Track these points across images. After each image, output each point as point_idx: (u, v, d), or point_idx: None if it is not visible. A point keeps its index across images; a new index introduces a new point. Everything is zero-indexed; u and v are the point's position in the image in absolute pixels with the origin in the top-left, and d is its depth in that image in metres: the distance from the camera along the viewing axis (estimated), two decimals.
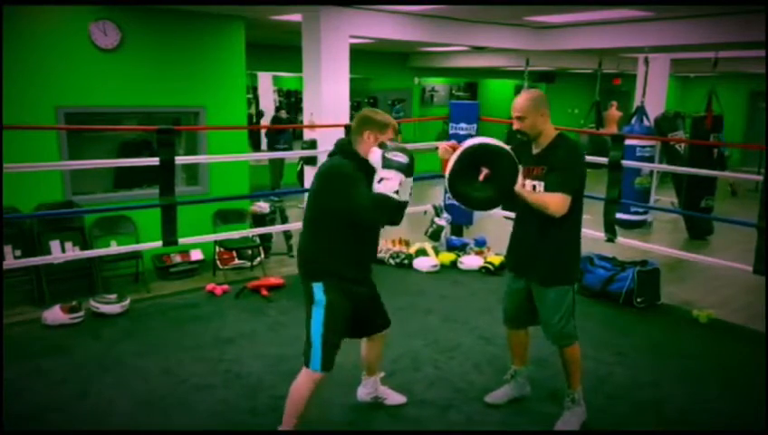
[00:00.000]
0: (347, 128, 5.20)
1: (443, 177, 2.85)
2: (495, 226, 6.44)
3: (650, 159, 7.46)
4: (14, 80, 4.97)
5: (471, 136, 5.66)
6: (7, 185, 4.10)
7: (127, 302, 4.45)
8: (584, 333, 3.33)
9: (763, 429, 3.07)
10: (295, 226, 6.68)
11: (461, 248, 5.92)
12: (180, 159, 4.98)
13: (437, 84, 16.61)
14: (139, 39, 5.63)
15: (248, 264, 6.10)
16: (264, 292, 4.80)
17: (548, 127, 2.84)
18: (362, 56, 9.73)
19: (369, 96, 15.96)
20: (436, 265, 5.53)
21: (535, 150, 2.88)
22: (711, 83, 7.54)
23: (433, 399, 3.29)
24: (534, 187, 2.84)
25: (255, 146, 12.09)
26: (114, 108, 5.70)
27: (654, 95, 8.70)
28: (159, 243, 4.37)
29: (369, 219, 2.53)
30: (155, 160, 4.21)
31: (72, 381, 3.42)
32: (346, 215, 2.52)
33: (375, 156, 2.51)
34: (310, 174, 6.09)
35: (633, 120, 7.54)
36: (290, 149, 9.97)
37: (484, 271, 5.47)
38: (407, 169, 2.49)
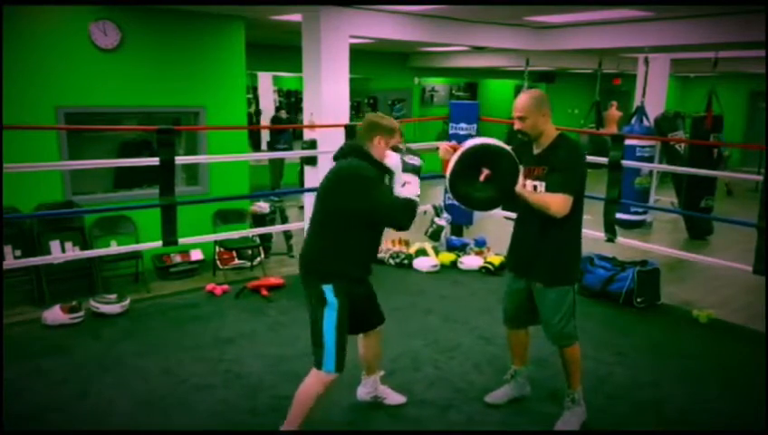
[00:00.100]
0: (347, 128, 5.20)
1: (443, 177, 2.85)
2: (495, 226, 6.45)
3: (650, 159, 7.46)
4: (14, 80, 4.97)
5: (471, 136, 5.66)
6: (7, 185, 4.10)
7: (127, 302, 4.45)
8: (584, 333, 3.34)
9: (763, 429, 3.07)
10: (295, 226, 6.71)
11: (461, 248, 5.92)
12: (180, 159, 4.98)
13: (437, 84, 16.60)
14: (139, 39, 5.63)
15: (248, 264, 6.10)
16: (264, 292, 4.80)
17: (549, 127, 2.84)
18: (362, 56, 9.73)
19: (369, 96, 15.97)
20: (436, 265, 5.53)
21: (536, 151, 2.88)
22: (711, 83, 7.53)
23: (433, 399, 3.29)
24: (535, 187, 2.84)
25: (255, 146, 12.10)
26: (114, 108, 5.70)
27: (654, 95, 8.69)
28: (159, 243, 4.37)
29: (398, 222, 2.60)
30: (155, 160, 4.21)
31: (72, 381, 3.42)
32: (365, 216, 2.57)
33: (393, 159, 2.62)
34: (310, 174, 6.08)
35: (633, 120, 7.54)
36: (290, 149, 9.97)
37: (484, 271, 5.47)
38: (420, 172, 2.64)
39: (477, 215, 5.99)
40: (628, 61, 9.60)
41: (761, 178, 5.03)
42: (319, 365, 2.63)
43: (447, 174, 2.78)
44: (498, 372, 3.45)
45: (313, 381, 2.65)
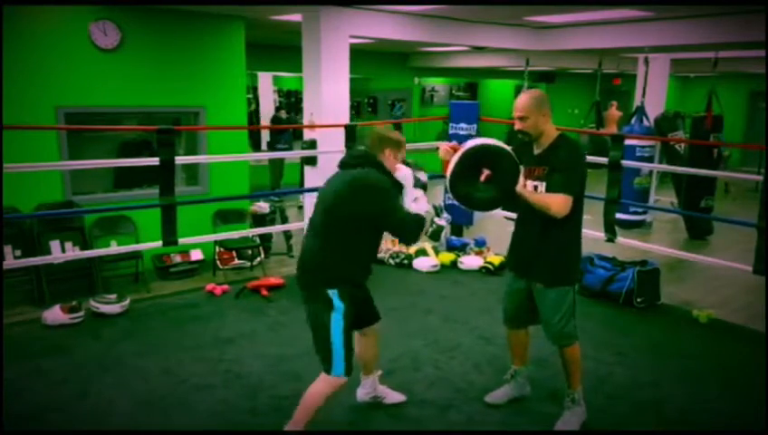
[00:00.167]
0: (347, 128, 5.20)
1: (443, 177, 2.85)
2: (495, 226, 6.45)
3: (650, 160, 7.47)
4: (14, 80, 4.97)
5: (471, 136, 5.66)
6: (7, 185, 4.10)
7: (127, 302, 4.45)
8: (584, 333, 3.33)
9: (763, 429, 3.07)
10: (295, 226, 6.71)
11: (461, 248, 5.92)
12: (180, 159, 4.98)
13: (437, 84, 16.60)
14: (139, 39, 5.64)
15: (248, 264, 6.10)
16: (264, 292, 4.80)
17: (549, 127, 2.84)
18: (362, 56, 9.73)
19: (369, 96, 15.97)
20: (436, 265, 5.53)
21: (536, 151, 2.88)
22: (711, 83, 7.53)
23: (433, 399, 3.29)
24: (536, 187, 2.84)
25: (255, 146, 12.10)
26: (114, 108, 5.70)
27: (654, 95, 8.70)
28: (159, 243, 4.37)
29: (409, 237, 2.69)
30: (155, 160, 4.21)
31: (72, 381, 3.42)
32: (377, 224, 2.62)
33: (405, 173, 2.71)
34: (310, 174, 6.08)
35: (633, 120, 7.54)
36: (290, 149, 9.97)
37: (485, 271, 5.47)
38: (426, 188, 2.74)
39: (477, 215, 5.99)
40: (628, 61, 9.60)
41: (761, 178, 5.03)
42: (328, 370, 2.62)
43: (448, 174, 2.78)
44: (498, 372, 3.45)
45: (323, 386, 2.64)
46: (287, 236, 6.67)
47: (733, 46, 7.37)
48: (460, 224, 6.30)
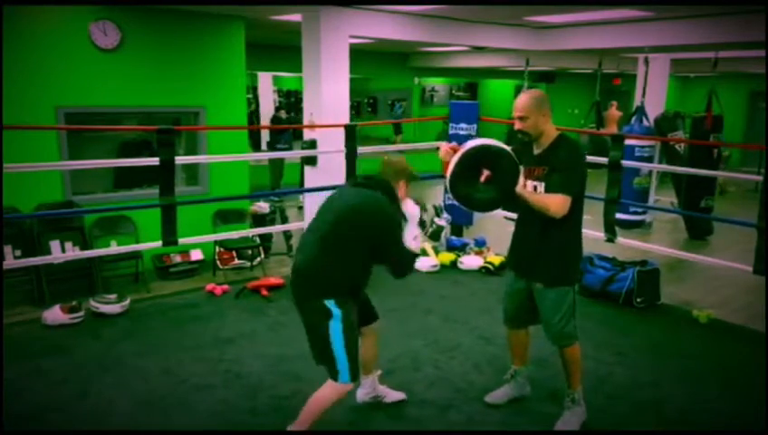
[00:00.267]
0: (347, 128, 5.19)
1: (443, 177, 2.85)
2: (495, 226, 6.45)
3: (649, 160, 7.46)
4: (14, 80, 4.97)
5: (471, 136, 5.66)
6: (7, 185, 4.10)
7: (127, 302, 4.45)
8: (584, 333, 3.34)
9: (763, 429, 3.07)
10: (295, 226, 6.70)
11: (461, 248, 5.92)
12: (180, 159, 4.98)
13: (437, 84, 16.61)
14: (139, 39, 5.63)
15: (248, 264, 6.10)
16: (264, 292, 4.80)
17: (549, 127, 2.84)
18: (362, 56, 9.74)
19: (369, 96, 15.98)
20: (436, 265, 5.52)
21: (536, 151, 2.88)
22: (711, 83, 7.53)
23: (433, 399, 3.29)
24: (535, 187, 2.84)
25: (255, 146, 12.10)
26: (114, 108, 5.70)
27: (654, 95, 8.70)
28: (159, 243, 4.37)
29: (401, 270, 2.73)
30: (155, 160, 4.21)
31: (72, 381, 3.42)
32: (376, 251, 2.64)
33: (413, 211, 2.74)
34: (310, 174, 6.08)
35: (633, 120, 7.54)
36: (290, 149, 9.97)
37: (484, 271, 5.47)
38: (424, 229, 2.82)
39: (477, 215, 6.00)
40: (628, 61, 9.60)
41: (761, 178, 5.03)
42: (335, 378, 2.61)
43: (448, 175, 2.78)
44: (498, 372, 3.45)
45: (329, 392, 2.64)
46: (287, 236, 6.66)
47: (733, 46, 7.37)
48: (460, 224, 6.30)
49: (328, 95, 5.77)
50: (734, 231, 6.52)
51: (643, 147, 7.32)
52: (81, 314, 4.24)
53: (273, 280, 5.00)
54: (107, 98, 5.56)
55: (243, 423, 3.05)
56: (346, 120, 5.77)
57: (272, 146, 10.35)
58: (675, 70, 10.12)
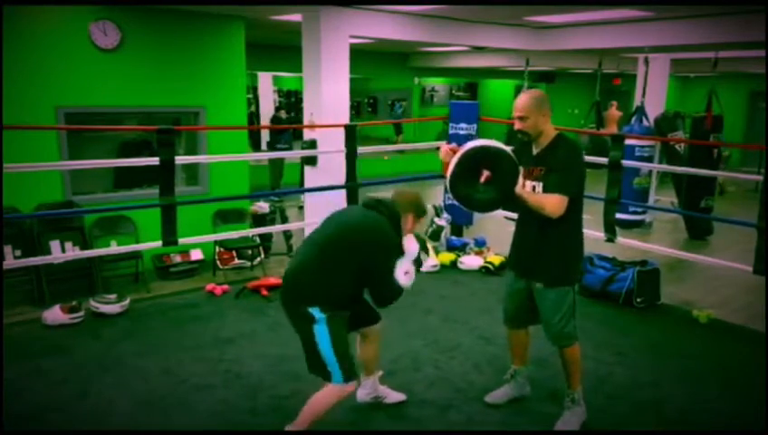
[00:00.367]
0: (347, 128, 5.19)
1: (443, 177, 2.86)
2: (495, 226, 6.45)
3: (649, 159, 7.46)
4: (14, 80, 4.97)
5: (471, 136, 5.66)
6: (7, 185, 4.09)
7: (127, 302, 4.45)
8: (584, 333, 3.34)
9: (763, 429, 3.07)
10: (295, 226, 6.71)
11: (461, 248, 5.92)
12: (180, 159, 4.97)
13: (437, 84, 16.61)
14: (139, 39, 5.63)
15: (248, 264, 6.11)
16: (264, 292, 4.80)
17: (548, 127, 2.84)
18: (362, 56, 9.74)
19: (369, 96, 15.98)
20: (436, 265, 5.52)
21: (535, 151, 2.88)
22: (711, 83, 7.53)
23: (433, 399, 3.29)
24: (534, 187, 2.84)
25: (255, 146, 12.11)
26: (114, 108, 5.70)
27: (654, 95, 8.70)
28: (159, 243, 4.36)
29: (385, 300, 2.73)
30: (155, 160, 4.21)
31: (72, 381, 3.42)
32: (364, 271, 2.63)
33: (412, 248, 2.72)
34: (310, 174, 6.09)
35: (633, 120, 7.54)
36: (290, 149, 9.98)
37: (484, 271, 5.47)
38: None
39: (477, 215, 5.99)
40: (628, 61, 9.60)
41: (761, 178, 5.03)
42: (329, 380, 2.62)
43: (447, 175, 2.78)
44: (498, 372, 3.45)
45: (328, 394, 2.64)
46: (287, 236, 6.66)
47: (733, 46, 7.37)
48: (460, 224, 6.30)
49: (328, 95, 5.77)
50: (734, 231, 6.53)
51: (643, 147, 7.32)
52: (81, 314, 4.24)
53: (273, 280, 4.99)
54: (107, 98, 5.57)
55: (243, 423, 3.05)
56: (346, 120, 5.78)
57: (272, 146, 10.36)
58: (675, 70, 10.13)
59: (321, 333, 2.57)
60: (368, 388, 3.15)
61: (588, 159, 5.35)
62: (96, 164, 5.15)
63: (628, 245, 5.17)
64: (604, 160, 4.88)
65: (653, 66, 8.39)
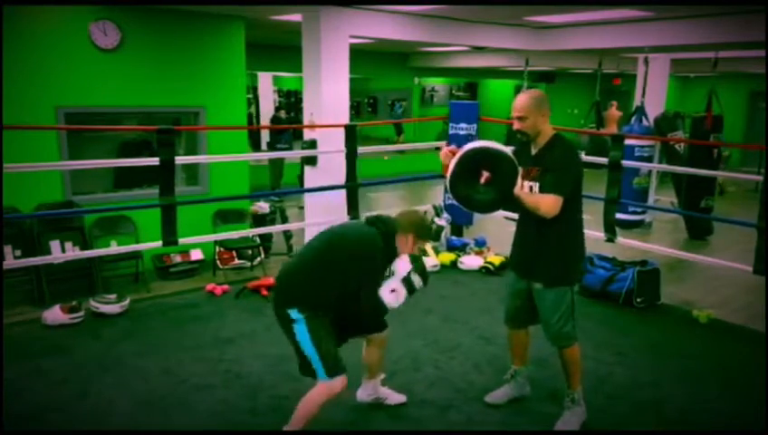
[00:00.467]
0: (347, 128, 5.20)
1: (443, 177, 2.86)
2: (495, 226, 6.45)
3: (649, 159, 7.46)
4: (14, 80, 4.97)
5: (471, 136, 5.66)
6: (7, 185, 4.09)
7: (127, 302, 4.45)
8: (584, 333, 3.34)
9: (763, 429, 3.07)
10: (295, 226, 6.71)
11: (461, 248, 5.92)
12: (180, 159, 4.98)
13: (437, 84, 16.61)
14: (139, 39, 5.63)
15: (248, 264, 6.10)
16: (264, 292, 4.80)
17: (547, 127, 2.84)
18: (362, 56, 9.74)
19: (369, 96, 15.98)
20: (436, 265, 5.52)
21: (534, 151, 2.88)
22: (711, 83, 7.53)
23: (433, 399, 3.29)
24: (531, 188, 2.84)
25: (255, 146, 12.11)
26: (114, 108, 5.70)
27: (654, 95, 8.70)
28: (159, 243, 4.36)
29: (370, 316, 2.73)
30: (155, 160, 4.21)
31: (72, 381, 3.42)
32: (347, 284, 2.65)
33: (402, 267, 2.68)
34: (310, 174, 6.09)
35: (633, 120, 7.54)
36: (290, 149, 9.98)
37: (484, 271, 5.47)
38: (414, 293, 2.71)
39: (477, 215, 5.99)
40: (628, 61, 9.60)
41: (761, 178, 5.03)
42: (315, 377, 2.65)
43: (448, 176, 2.79)
44: (498, 372, 3.45)
45: (317, 392, 2.65)
46: (287, 236, 6.66)
47: (733, 46, 7.37)
48: (460, 224, 6.30)
49: (328, 95, 5.77)
50: (734, 231, 6.53)
51: (643, 147, 7.31)
52: (81, 314, 4.24)
53: (273, 280, 4.98)
54: (107, 98, 5.56)
55: (243, 423, 3.05)
56: (346, 120, 5.77)
57: (272, 146, 10.36)
58: (675, 70, 10.12)
59: (301, 332, 2.62)
60: (369, 390, 3.16)
61: (588, 159, 5.38)
62: (96, 164, 5.16)
63: (629, 245, 5.18)
64: (604, 160, 4.89)
65: (653, 66, 8.39)
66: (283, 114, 11.29)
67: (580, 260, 3.01)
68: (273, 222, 6.59)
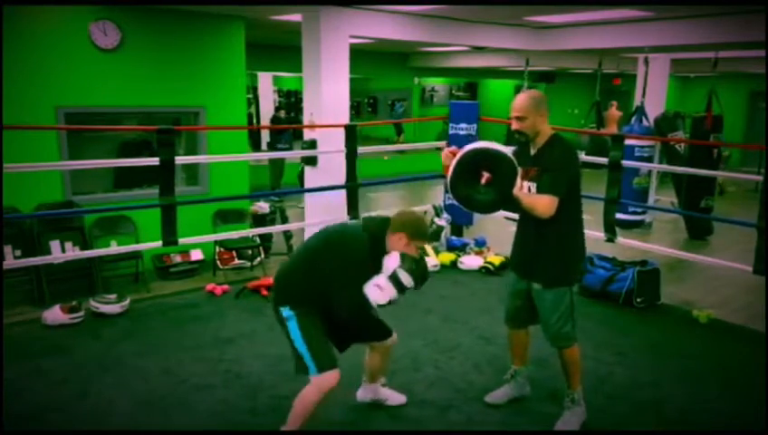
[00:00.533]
0: (347, 128, 5.20)
1: (445, 177, 2.86)
2: (495, 226, 6.45)
3: (649, 160, 7.46)
4: (14, 80, 4.97)
5: (471, 136, 5.67)
6: (7, 185, 4.09)
7: (127, 302, 4.45)
8: (584, 333, 3.34)
9: (763, 429, 3.07)
10: (295, 226, 6.70)
11: (461, 248, 5.92)
12: (180, 159, 4.98)
13: (437, 84, 16.61)
14: (139, 39, 5.63)
15: (248, 264, 6.10)
16: (264, 292, 4.80)
17: (545, 127, 2.84)
18: (362, 56, 9.74)
19: (369, 96, 15.98)
20: (436, 265, 5.52)
21: (532, 151, 2.89)
22: (711, 83, 7.53)
23: (433, 399, 3.29)
24: (530, 188, 2.84)
25: (255, 146, 12.11)
26: (114, 108, 5.70)
27: (654, 95, 8.70)
28: (159, 243, 4.37)
29: (340, 311, 2.67)
30: (155, 160, 4.21)
31: (72, 381, 3.42)
32: (331, 285, 2.64)
33: (389, 263, 2.61)
34: (310, 175, 6.09)
35: (633, 120, 7.54)
36: (290, 149, 9.97)
37: (484, 271, 5.47)
38: (405, 291, 2.61)
39: (477, 215, 5.99)
40: (628, 61, 9.60)
41: (761, 178, 5.03)
42: (307, 373, 2.66)
43: (448, 176, 2.79)
44: (498, 372, 3.45)
45: (309, 389, 2.66)
46: (287, 236, 6.66)
47: (733, 46, 7.37)
48: (460, 224, 6.30)
49: (328, 95, 5.77)
50: (734, 231, 6.53)
51: (643, 147, 7.31)
52: (81, 314, 4.24)
53: (273, 280, 4.99)
54: (107, 98, 5.56)
55: (243, 423, 3.05)
56: (346, 120, 5.77)
57: (272, 146, 10.36)
58: (675, 70, 10.12)
59: (293, 329, 2.66)
60: (368, 392, 3.17)
61: (588, 159, 5.38)
62: (96, 164, 5.16)
63: (629, 245, 5.18)
64: (604, 160, 4.89)
65: (653, 66, 8.39)
66: (282, 114, 11.29)
67: (579, 261, 3.01)
68: (273, 222, 6.59)
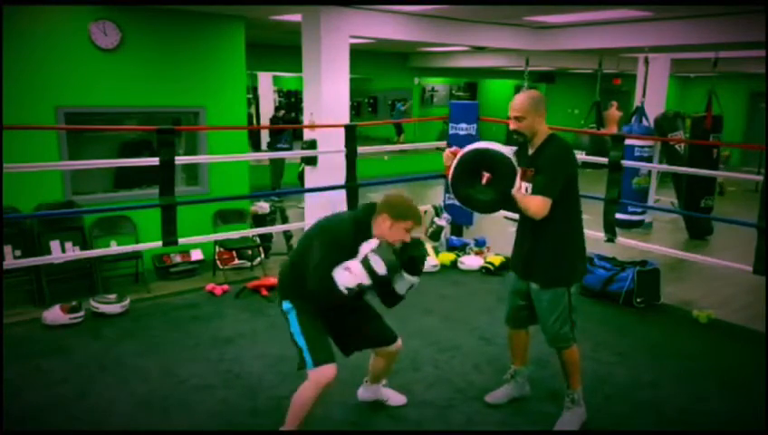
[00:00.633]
0: (347, 128, 5.20)
1: (446, 177, 2.87)
2: (495, 226, 6.45)
3: (649, 160, 7.45)
4: (14, 80, 4.97)
5: (471, 136, 5.67)
6: (7, 185, 4.10)
7: (127, 302, 4.45)
8: (584, 333, 3.34)
9: (762, 429, 3.07)
10: (295, 226, 6.70)
11: (461, 248, 5.92)
12: (180, 159, 4.98)
13: (437, 84, 16.61)
14: (139, 39, 5.63)
15: (248, 264, 6.10)
16: (264, 292, 4.80)
17: (543, 128, 2.84)
18: (362, 56, 9.75)
19: (369, 96, 15.97)
20: (436, 265, 5.53)
21: (530, 152, 2.89)
22: (711, 83, 7.53)
23: (433, 399, 3.29)
24: (527, 189, 2.84)
25: (255, 146, 12.11)
26: (114, 108, 5.70)
27: (654, 95, 8.69)
28: (159, 243, 4.37)
29: (311, 290, 2.63)
30: (155, 160, 4.21)
31: (72, 381, 3.42)
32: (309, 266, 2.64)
33: (364, 248, 2.58)
34: (310, 175, 6.09)
35: (633, 120, 7.54)
36: (290, 149, 9.97)
37: (484, 271, 5.47)
38: (377, 279, 2.54)
39: (477, 215, 6.00)
40: (628, 61, 9.60)
41: (761, 178, 5.03)
42: (304, 367, 2.67)
43: (449, 177, 2.80)
44: (498, 372, 3.46)
45: (306, 386, 2.66)
46: (287, 236, 6.66)
47: (733, 46, 7.37)
48: (460, 224, 6.30)
49: (328, 95, 5.77)
50: (734, 231, 6.53)
51: (643, 147, 7.31)
52: (81, 314, 4.24)
53: (273, 280, 4.99)
54: (107, 98, 5.56)
55: (243, 423, 3.05)
56: (346, 120, 5.77)
57: (272, 146, 10.36)
58: (675, 70, 10.12)
59: (292, 321, 2.71)
60: (369, 392, 3.18)
61: (588, 159, 5.38)
62: (96, 164, 5.16)
63: (628, 245, 5.18)
64: (604, 160, 4.89)
65: (653, 66, 8.39)
66: (282, 114, 11.28)
67: (578, 261, 3.01)
68: (273, 222, 6.59)
